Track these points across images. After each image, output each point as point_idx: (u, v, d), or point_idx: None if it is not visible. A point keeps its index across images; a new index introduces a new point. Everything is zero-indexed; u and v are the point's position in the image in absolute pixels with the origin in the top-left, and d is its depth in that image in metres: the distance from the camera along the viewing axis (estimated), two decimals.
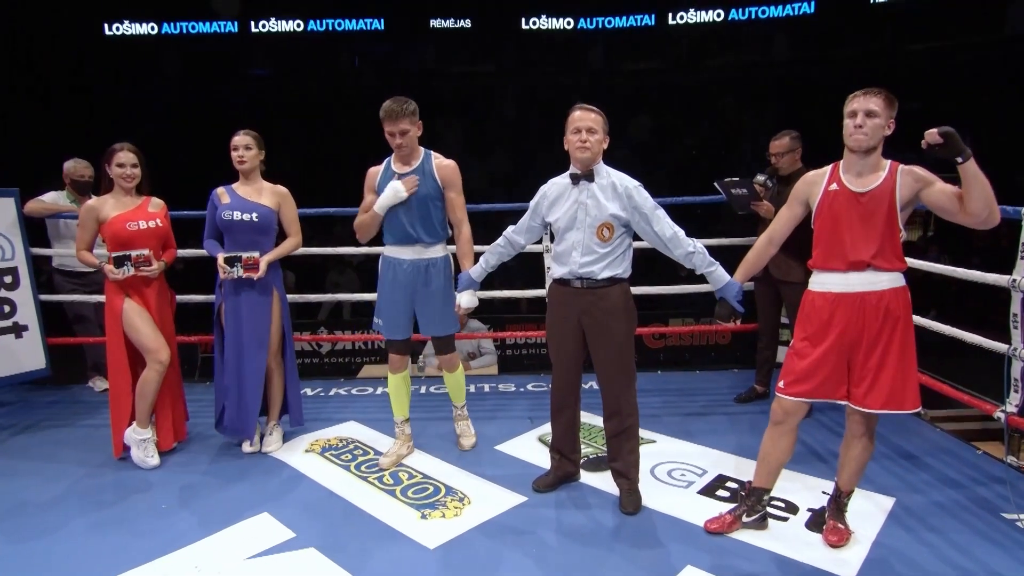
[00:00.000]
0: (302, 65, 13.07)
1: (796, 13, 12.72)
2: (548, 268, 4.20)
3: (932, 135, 2.03)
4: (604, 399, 2.72)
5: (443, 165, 2.98)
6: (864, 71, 12.78)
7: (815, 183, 2.34)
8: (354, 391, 4.30)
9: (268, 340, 3.21)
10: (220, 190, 3.20)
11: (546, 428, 3.48)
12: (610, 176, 2.59)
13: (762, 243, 2.52)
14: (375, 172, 3.03)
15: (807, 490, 2.80)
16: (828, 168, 2.33)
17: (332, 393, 4.26)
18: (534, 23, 13.23)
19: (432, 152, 3.02)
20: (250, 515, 2.66)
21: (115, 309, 3.09)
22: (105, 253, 3.13)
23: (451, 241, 3.12)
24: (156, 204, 3.21)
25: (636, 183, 2.58)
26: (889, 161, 2.24)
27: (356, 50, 13.51)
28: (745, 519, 2.50)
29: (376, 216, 2.95)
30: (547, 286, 4.14)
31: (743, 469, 2.96)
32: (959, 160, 2.03)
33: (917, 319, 3.44)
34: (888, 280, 2.22)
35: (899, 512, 2.62)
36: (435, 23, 13.15)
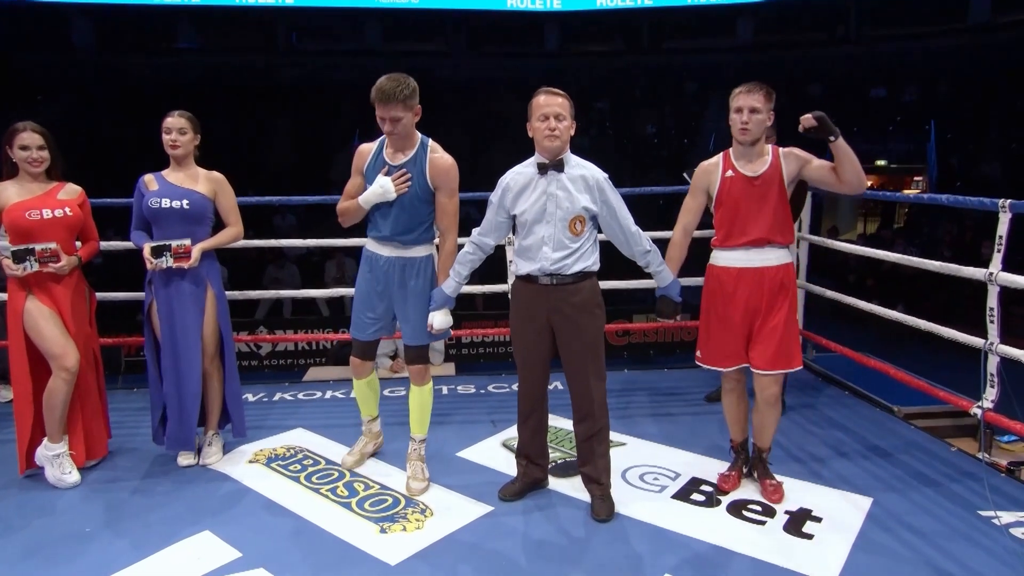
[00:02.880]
0: (234, 40, 12.69)
1: None
2: (511, 262, 4.18)
3: (808, 119, 2.46)
4: (574, 401, 2.72)
5: (437, 162, 2.77)
6: (828, 58, 13.19)
7: (712, 172, 2.74)
8: (300, 395, 4.21)
9: (200, 342, 3.09)
10: (148, 177, 3.07)
11: (510, 432, 3.47)
12: (579, 167, 2.60)
13: (679, 236, 2.86)
14: (366, 152, 2.84)
15: (785, 492, 2.85)
16: (719, 157, 2.74)
17: (276, 398, 4.15)
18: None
19: (431, 142, 2.81)
20: (189, 534, 2.56)
21: (16, 309, 2.91)
22: (9, 246, 2.93)
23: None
24: (70, 191, 3.03)
25: (605, 175, 2.61)
26: (770, 145, 2.69)
27: (295, 26, 13.20)
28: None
29: (360, 209, 2.81)
30: (510, 282, 4.16)
31: (717, 471, 3.01)
32: (831, 139, 2.48)
33: (891, 312, 3.59)
34: (781, 256, 2.70)
35: (877, 512, 2.70)
36: None
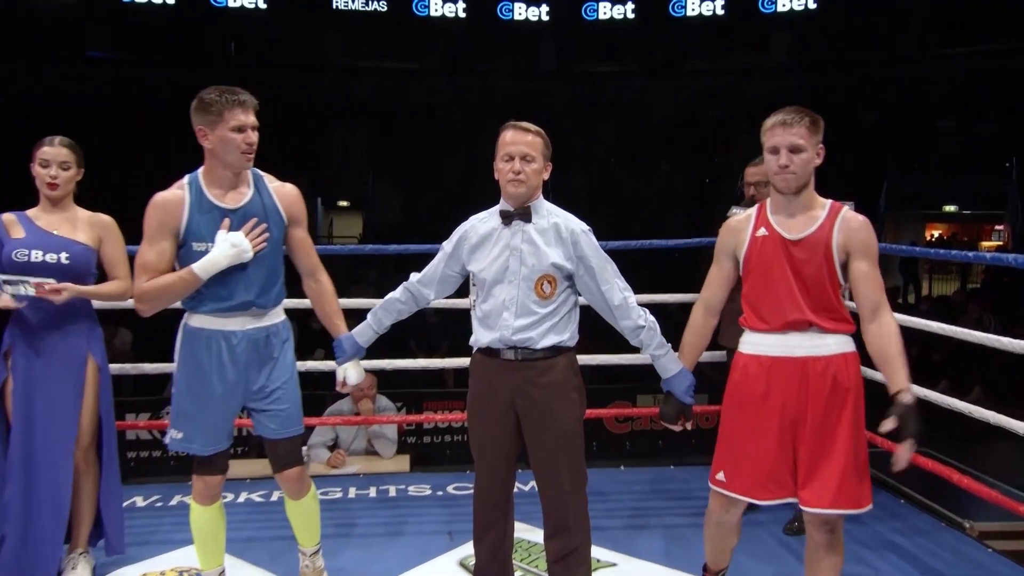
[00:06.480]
0: (160, 48, 12.93)
1: (801, 7, 13.24)
2: None
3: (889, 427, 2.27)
4: (545, 510, 2.65)
5: (285, 191, 2.77)
6: (883, 80, 13.47)
7: (740, 229, 2.55)
8: None
9: (76, 432, 3.00)
10: (7, 217, 3.00)
11: (471, 547, 3.38)
12: (552, 216, 2.60)
13: (699, 317, 2.67)
14: (173, 203, 2.61)
15: None
16: (753, 210, 2.56)
17: (175, 501, 4.03)
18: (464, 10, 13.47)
19: (262, 172, 2.76)
20: None
21: None
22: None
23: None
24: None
25: (585, 227, 2.61)
26: (829, 201, 2.46)
27: (232, 33, 13.50)
28: None
29: (195, 282, 2.57)
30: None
31: None
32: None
33: (958, 403, 3.49)
34: (835, 344, 2.41)
35: None
36: (339, 4, 13.30)
